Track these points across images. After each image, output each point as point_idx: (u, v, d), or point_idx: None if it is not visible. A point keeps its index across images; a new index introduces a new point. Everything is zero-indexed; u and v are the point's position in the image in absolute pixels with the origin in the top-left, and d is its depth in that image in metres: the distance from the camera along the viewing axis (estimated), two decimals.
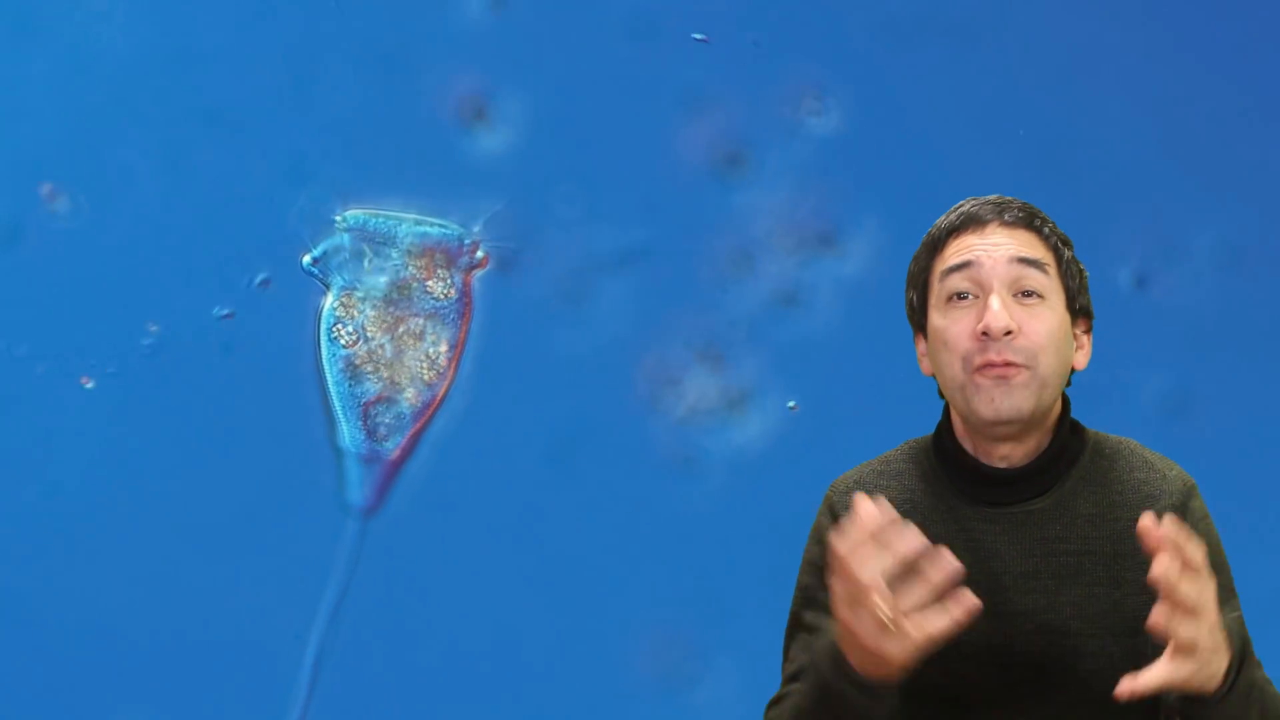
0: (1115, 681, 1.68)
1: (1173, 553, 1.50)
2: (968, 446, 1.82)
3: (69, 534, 2.84)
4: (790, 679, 1.81)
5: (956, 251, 1.79)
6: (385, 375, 2.80)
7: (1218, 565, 1.77)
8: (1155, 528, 1.51)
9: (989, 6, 3.05)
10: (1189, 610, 1.51)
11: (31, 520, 2.84)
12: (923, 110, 3.02)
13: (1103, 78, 3.06)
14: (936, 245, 1.82)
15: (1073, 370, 1.82)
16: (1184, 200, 3.05)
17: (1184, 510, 1.78)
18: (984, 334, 1.73)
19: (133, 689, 2.83)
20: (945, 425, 1.85)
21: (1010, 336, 1.73)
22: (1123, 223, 3.03)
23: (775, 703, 1.82)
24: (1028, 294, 1.76)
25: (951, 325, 1.77)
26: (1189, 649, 1.53)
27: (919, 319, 1.84)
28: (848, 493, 1.86)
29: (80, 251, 2.88)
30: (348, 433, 2.85)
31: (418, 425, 2.85)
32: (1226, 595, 1.76)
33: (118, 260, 2.87)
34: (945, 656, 1.74)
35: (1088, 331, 1.84)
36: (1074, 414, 1.86)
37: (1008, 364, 1.73)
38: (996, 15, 3.05)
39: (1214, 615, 1.54)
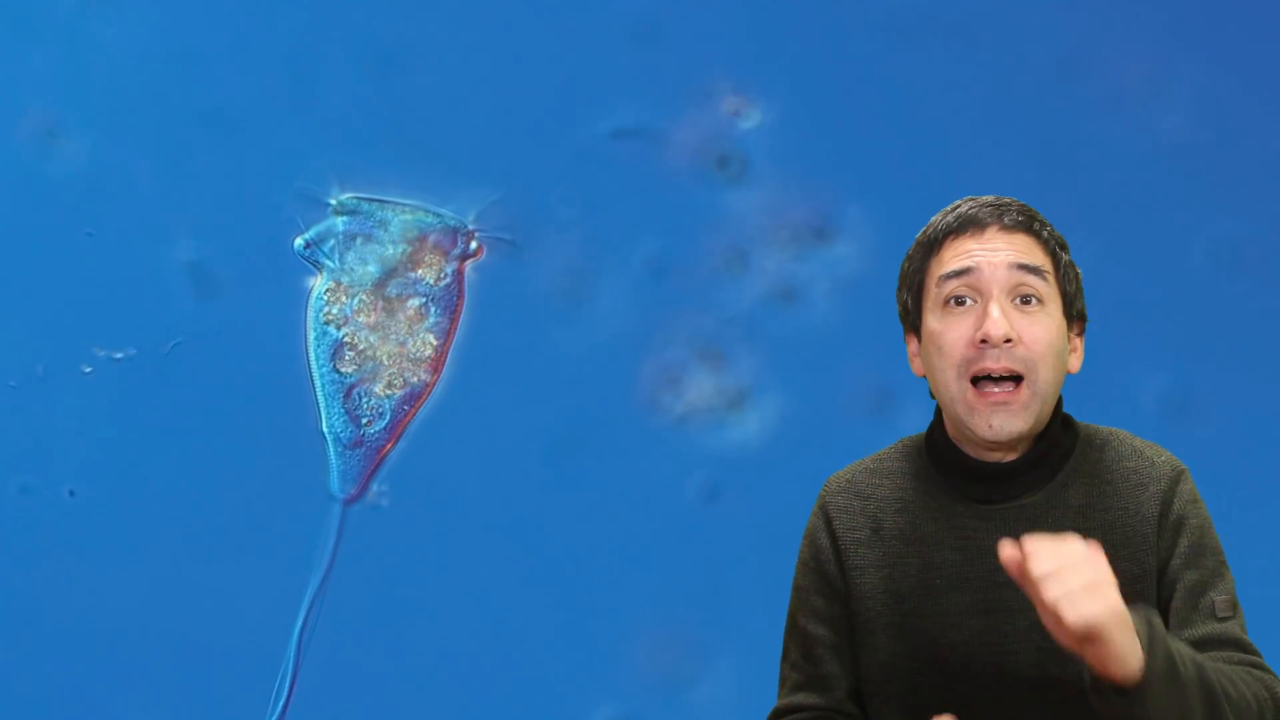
0: None
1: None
2: (959, 444, 1.80)
3: (52, 519, 2.84)
4: (794, 689, 1.82)
5: (955, 256, 1.76)
6: (372, 361, 2.79)
7: (1208, 547, 1.76)
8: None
9: (989, 6, 3.06)
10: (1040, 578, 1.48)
11: (15, 506, 2.84)
12: (920, 107, 3.02)
13: (1101, 76, 3.06)
14: (932, 247, 1.79)
15: (1066, 373, 1.80)
16: (1183, 199, 3.05)
17: (1172, 493, 1.75)
18: (983, 341, 1.72)
19: (112, 674, 2.84)
20: (937, 423, 1.83)
21: (1010, 344, 1.72)
22: (1121, 221, 3.03)
23: (776, 716, 1.83)
24: (1026, 300, 1.74)
25: (948, 331, 1.75)
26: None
27: (913, 320, 1.82)
28: (840, 492, 1.85)
29: (79, 251, 2.88)
30: (331, 418, 2.83)
31: (404, 414, 2.84)
32: (1214, 580, 1.75)
33: (116, 258, 2.88)
34: (939, 655, 1.74)
35: (1081, 334, 1.82)
36: (1074, 416, 1.84)
37: (1006, 372, 1.71)
38: (996, 15, 3.05)
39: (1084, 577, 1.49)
